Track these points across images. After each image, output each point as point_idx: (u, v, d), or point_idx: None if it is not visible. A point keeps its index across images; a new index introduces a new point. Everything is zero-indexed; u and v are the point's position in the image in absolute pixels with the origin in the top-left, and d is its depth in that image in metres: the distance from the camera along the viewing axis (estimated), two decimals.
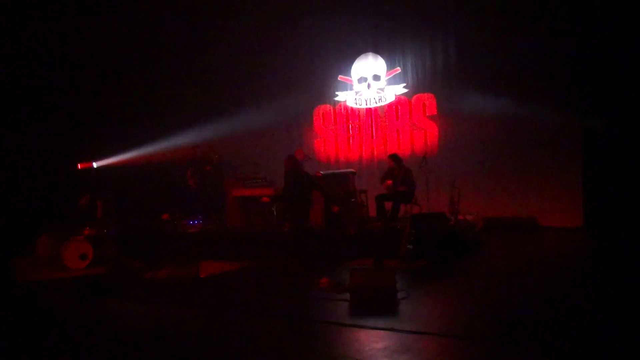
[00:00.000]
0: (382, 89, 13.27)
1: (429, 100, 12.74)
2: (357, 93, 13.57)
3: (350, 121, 13.75)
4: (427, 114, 12.79)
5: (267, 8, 13.80)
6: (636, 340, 4.76)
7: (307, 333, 5.70)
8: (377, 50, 13.33)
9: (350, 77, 13.63)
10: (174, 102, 14.10)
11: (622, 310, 5.62)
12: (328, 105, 14.00)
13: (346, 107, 13.77)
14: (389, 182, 10.37)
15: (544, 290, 6.69)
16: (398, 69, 13.07)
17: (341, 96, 13.78)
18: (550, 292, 6.62)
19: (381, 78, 13.25)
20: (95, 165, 13.25)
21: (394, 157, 10.65)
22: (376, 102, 13.36)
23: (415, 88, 12.92)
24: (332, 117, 13.96)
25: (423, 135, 12.84)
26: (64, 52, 12.97)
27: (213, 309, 6.86)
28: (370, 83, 13.35)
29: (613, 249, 9.04)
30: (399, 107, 13.10)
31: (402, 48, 13.03)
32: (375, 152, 13.40)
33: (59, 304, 7.76)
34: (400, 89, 13.04)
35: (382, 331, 5.31)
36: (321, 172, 11.19)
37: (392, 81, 13.14)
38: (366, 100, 13.47)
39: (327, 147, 14.02)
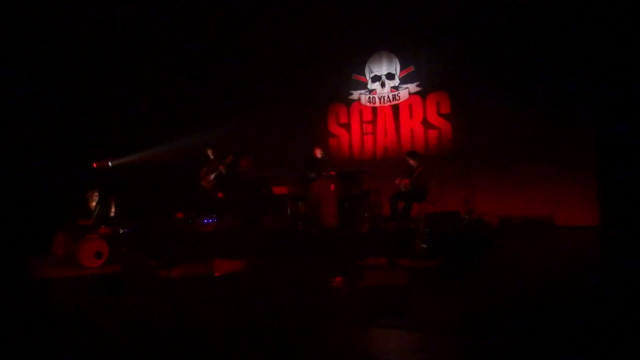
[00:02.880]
0: (396, 88, 13.23)
1: (442, 98, 12.69)
2: (371, 92, 13.55)
3: (364, 120, 13.73)
4: (441, 113, 12.73)
5: (281, 7, 13.81)
6: None
7: (320, 332, 5.70)
8: (391, 48, 13.30)
9: (364, 75, 13.61)
10: (189, 102, 14.15)
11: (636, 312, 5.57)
12: (342, 104, 13.98)
13: (360, 106, 13.74)
14: (405, 181, 10.36)
15: (560, 291, 6.64)
16: (412, 68, 13.03)
17: (355, 95, 13.76)
18: (566, 292, 6.57)
19: (395, 76, 13.22)
20: (110, 164, 13.34)
21: (411, 155, 10.65)
22: (390, 101, 13.34)
23: (429, 86, 12.87)
24: (346, 116, 13.95)
25: (437, 134, 12.79)
26: (80, 49, 13.08)
27: (227, 307, 6.89)
28: (384, 81, 13.33)
29: (629, 248, 8.94)
30: (413, 106, 13.06)
31: (416, 46, 12.98)
32: (388, 151, 13.36)
33: (75, 302, 7.81)
34: (414, 88, 13.00)
35: (395, 330, 5.31)
36: (334, 171, 11.20)
37: (406, 80, 13.10)
38: (380, 99, 13.44)
39: (341, 146, 14.01)
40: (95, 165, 13.15)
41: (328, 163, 11.68)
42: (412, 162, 10.50)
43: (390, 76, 13.25)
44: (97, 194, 10.78)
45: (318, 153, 11.71)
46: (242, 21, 14.16)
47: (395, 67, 13.21)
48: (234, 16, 14.04)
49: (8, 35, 12.31)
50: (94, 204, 10.71)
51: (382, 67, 13.37)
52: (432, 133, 12.85)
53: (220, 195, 10.72)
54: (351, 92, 13.78)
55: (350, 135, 13.90)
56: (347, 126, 13.94)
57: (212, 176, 11.97)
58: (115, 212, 10.75)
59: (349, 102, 13.88)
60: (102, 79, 13.47)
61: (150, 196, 12.54)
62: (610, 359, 4.49)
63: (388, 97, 13.34)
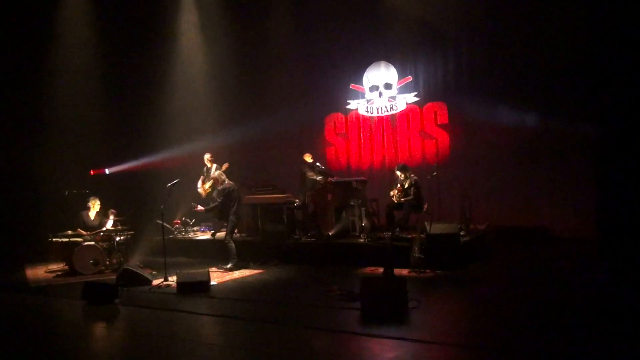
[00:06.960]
0: (393, 98, 13.26)
1: (440, 109, 12.70)
2: (368, 101, 13.58)
3: (362, 129, 13.74)
4: (439, 123, 12.74)
5: (280, 16, 13.87)
6: None
7: (317, 342, 5.70)
8: (389, 58, 13.33)
9: (362, 85, 13.64)
10: (186, 110, 14.14)
11: (634, 323, 5.58)
12: (340, 114, 14.01)
13: (358, 116, 13.76)
14: (399, 189, 10.39)
15: (554, 301, 6.65)
16: (410, 78, 13.06)
17: (353, 104, 13.79)
18: (560, 302, 6.58)
19: (393, 86, 13.24)
20: (107, 171, 13.31)
21: (399, 168, 10.67)
22: (387, 111, 13.36)
23: (427, 97, 12.88)
24: (344, 126, 13.97)
25: (434, 144, 12.80)
26: (74, 61, 13.14)
27: (222, 316, 6.88)
28: (381, 91, 13.35)
29: (625, 261, 8.94)
30: (411, 116, 13.08)
31: (414, 57, 13.00)
32: (386, 161, 13.36)
33: (71, 310, 7.79)
34: (411, 98, 13.02)
35: (393, 340, 5.30)
36: (332, 180, 11.21)
37: (404, 90, 13.13)
38: (377, 109, 13.47)
39: (338, 155, 14.02)
40: (92, 172, 13.10)
41: (319, 168, 11.67)
42: (401, 175, 10.51)
43: (387, 86, 13.28)
44: (98, 201, 10.75)
45: (308, 158, 11.70)
46: (239, 29, 14.22)
47: (393, 77, 13.23)
48: (231, 27, 14.11)
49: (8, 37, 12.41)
50: (94, 211, 10.68)
51: (379, 77, 13.39)
52: (430, 143, 12.85)
53: (201, 209, 10.70)
54: (349, 101, 13.81)
55: (348, 145, 13.92)
56: (344, 135, 13.96)
57: (208, 184, 11.97)
58: (113, 219, 10.72)
59: (346, 112, 13.90)
60: (100, 86, 13.47)
61: (146, 204, 12.49)
62: None
63: (385, 107, 13.36)
